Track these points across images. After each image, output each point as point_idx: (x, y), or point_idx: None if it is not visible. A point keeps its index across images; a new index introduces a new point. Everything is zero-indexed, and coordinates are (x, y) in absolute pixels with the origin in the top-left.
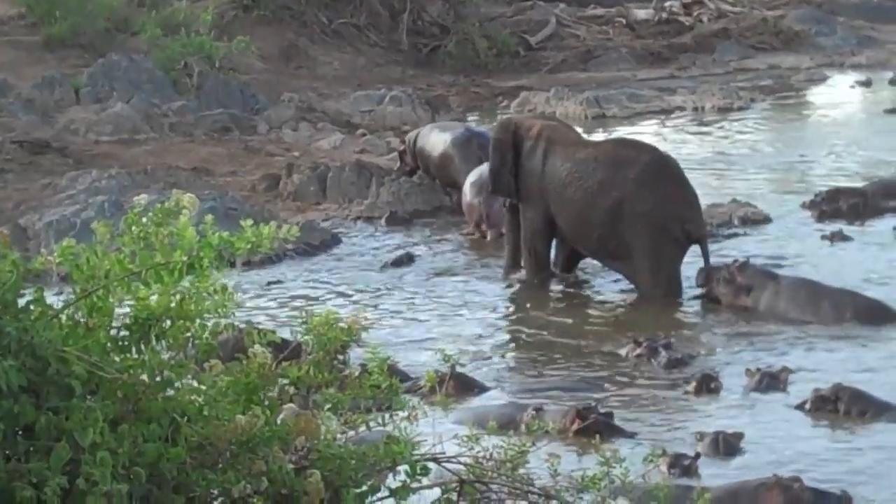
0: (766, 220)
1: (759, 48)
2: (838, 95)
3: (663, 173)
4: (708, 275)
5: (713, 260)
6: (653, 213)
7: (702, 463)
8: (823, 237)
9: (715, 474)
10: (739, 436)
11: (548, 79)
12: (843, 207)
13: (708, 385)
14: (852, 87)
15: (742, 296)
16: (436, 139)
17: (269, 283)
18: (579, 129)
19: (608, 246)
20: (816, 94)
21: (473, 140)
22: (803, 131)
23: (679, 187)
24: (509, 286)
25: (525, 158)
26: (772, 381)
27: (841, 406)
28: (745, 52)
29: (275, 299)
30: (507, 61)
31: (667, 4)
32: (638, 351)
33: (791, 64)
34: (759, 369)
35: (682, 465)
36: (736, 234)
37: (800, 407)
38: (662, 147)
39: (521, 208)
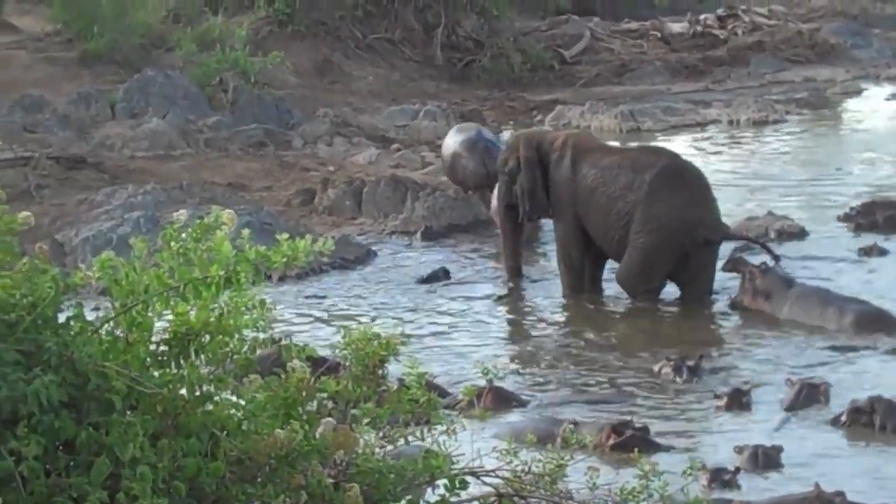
0: (802, 232)
1: (795, 61)
2: (874, 108)
3: (678, 178)
4: (736, 263)
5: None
6: (663, 217)
7: (741, 477)
8: (860, 250)
9: (755, 488)
10: (779, 449)
11: (582, 93)
12: (879, 220)
13: (739, 399)
14: (888, 99)
15: (760, 300)
16: (449, 140)
17: (305, 297)
18: (615, 143)
19: (622, 250)
20: (852, 107)
21: (480, 142)
22: (839, 144)
23: (693, 192)
24: (507, 297)
25: (553, 170)
26: (811, 393)
27: (877, 419)
28: (781, 65)
29: (311, 314)
30: (542, 75)
31: (701, 17)
32: (669, 368)
33: (826, 76)
34: (797, 381)
35: (723, 479)
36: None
37: (836, 420)
38: (697, 160)
39: (554, 222)
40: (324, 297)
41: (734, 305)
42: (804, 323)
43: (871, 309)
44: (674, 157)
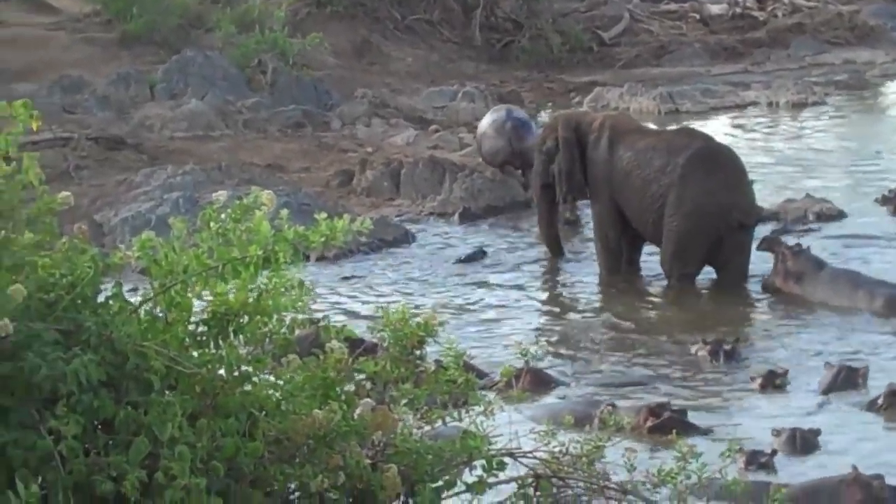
0: (841, 215)
1: (834, 43)
2: None
3: (712, 161)
4: (771, 243)
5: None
6: (696, 200)
7: (778, 460)
8: None
9: (793, 471)
10: (816, 432)
11: (621, 74)
12: None
13: (773, 381)
14: None
15: (791, 281)
16: (483, 120)
17: (343, 278)
18: (653, 125)
19: (658, 232)
20: (892, 89)
21: (508, 122)
22: (878, 126)
23: (727, 175)
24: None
25: (591, 151)
26: (850, 376)
27: None
28: (820, 47)
29: (350, 295)
30: (581, 57)
31: None
32: (705, 350)
33: (866, 59)
34: (835, 364)
35: (759, 462)
36: (810, 230)
37: (873, 403)
38: (736, 142)
39: (592, 203)
40: (362, 278)
41: (766, 286)
42: (835, 305)
43: None
44: (708, 139)
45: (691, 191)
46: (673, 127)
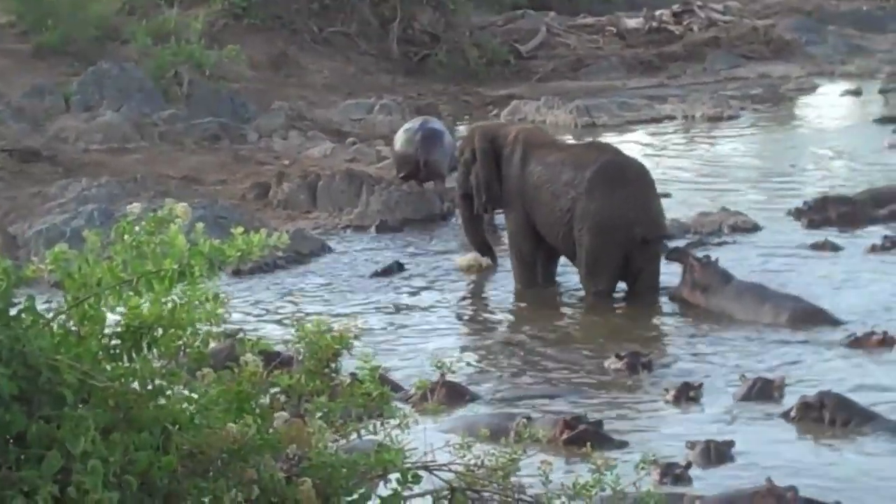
0: (756, 228)
1: (750, 57)
2: (828, 104)
3: (618, 175)
4: (680, 255)
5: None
6: (600, 214)
7: (693, 471)
8: (812, 246)
9: (707, 483)
10: (730, 444)
11: (538, 87)
12: (832, 216)
13: (687, 393)
14: (842, 95)
15: (698, 292)
16: (398, 134)
17: (260, 291)
18: (569, 138)
19: (569, 246)
20: (807, 103)
21: (419, 132)
22: (793, 140)
23: (632, 190)
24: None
25: (504, 164)
26: (764, 388)
27: (826, 414)
28: (736, 61)
29: (265, 308)
30: (498, 70)
31: (657, 13)
32: (621, 364)
33: (781, 73)
34: (750, 376)
35: (674, 474)
36: (725, 243)
37: (786, 415)
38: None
39: (506, 216)
40: (278, 291)
41: (673, 297)
42: (740, 318)
43: (806, 306)
44: (616, 154)
45: (596, 205)
46: (587, 140)
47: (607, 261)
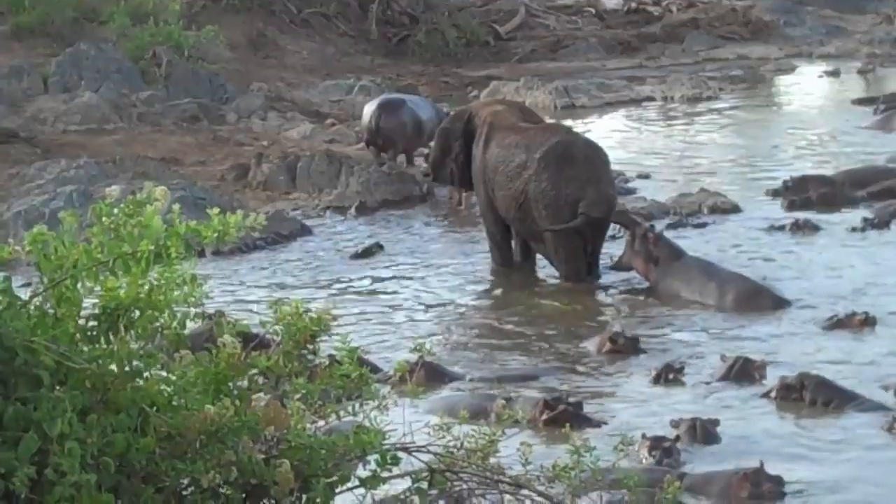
0: (735, 209)
1: (729, 38)
2: (807, 85)
3: (566, 155)
4: (627, 221)
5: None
6: (548, 195)
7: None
8: (791, 225)
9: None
10: (716, 422)
11: (517, 68)
12: (812, 196)
13: (668, 374)
14: (820, 77)
15: (651, 265)
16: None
17: (239, 272)
18: (547, 118)
19: (527, 228)
20: (785, 84)
21: (383, 102)
22: (772, 121)
23: (580, 169)
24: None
25: (474, 147)
26: (744, 368)
27: (806, 394)
28: (715, 42)
29: (245, 289)
30: (477, 51)
31: None
32: (604, 343)
33: (760, 54)
34: (731, 356)
35: (663, 447)
36: (705, 224)
37: (766, 395)
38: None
39: (477, 198)
40: (257, 272)
41: (617, 266)
42: (684, 296)
43: (752, 286)
44: (567, 133)
45: (545, 186)
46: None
47: (567, 241)
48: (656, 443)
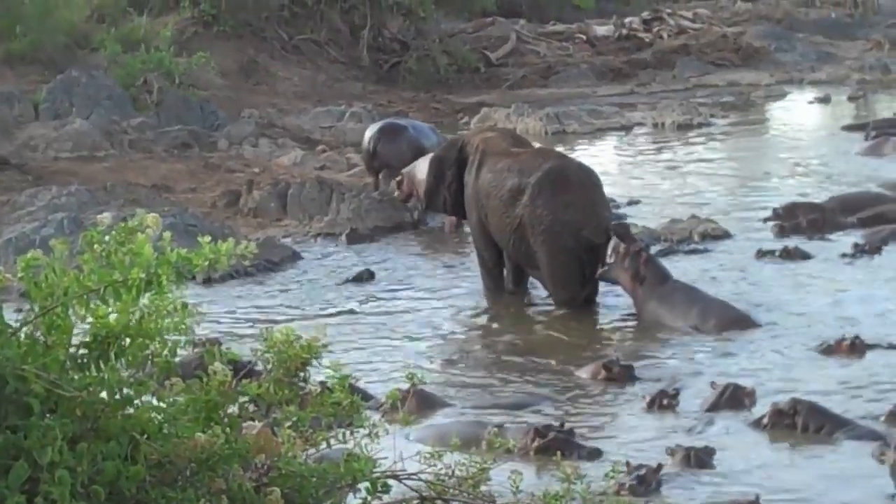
0: (726, 235)
1: (719, 64)
2: (797, 112)
3: (561, 180)
4: (624, 233)
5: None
6: (546, 220)
7: (675, 478)
8: (781, 252)
9: (688, 490)
10: (711, 451)
11: (508, 95)
12: (802, 223)
13: (662, 401)
14: (811, 103)
15: (636, 284)
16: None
17: (229, 300)
18: (538, 144)
19: (522, 254)
20: (776, 111)
21: (378, 127)
22: (763, 147)
23: (576, 194)
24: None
25: (466, 173)
26: (735, 395)
27: (798, 420)
28: (705, 69)
29: (235, 317)
30: (468, 77)
31: (627, 21)
32: (600, 371)
33: (751, 80)
34: (721, 383)
35: (640, 475)
36: (696, 250)
37: (757, 421)
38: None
39: (468, 223)
40: (248, 300)
41: (603, 276)
42: (666, 322)
43: (734, 312)
44: (561, 159)
45: (541, 211)
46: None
47: (564, 268)
48: (635, 471)
